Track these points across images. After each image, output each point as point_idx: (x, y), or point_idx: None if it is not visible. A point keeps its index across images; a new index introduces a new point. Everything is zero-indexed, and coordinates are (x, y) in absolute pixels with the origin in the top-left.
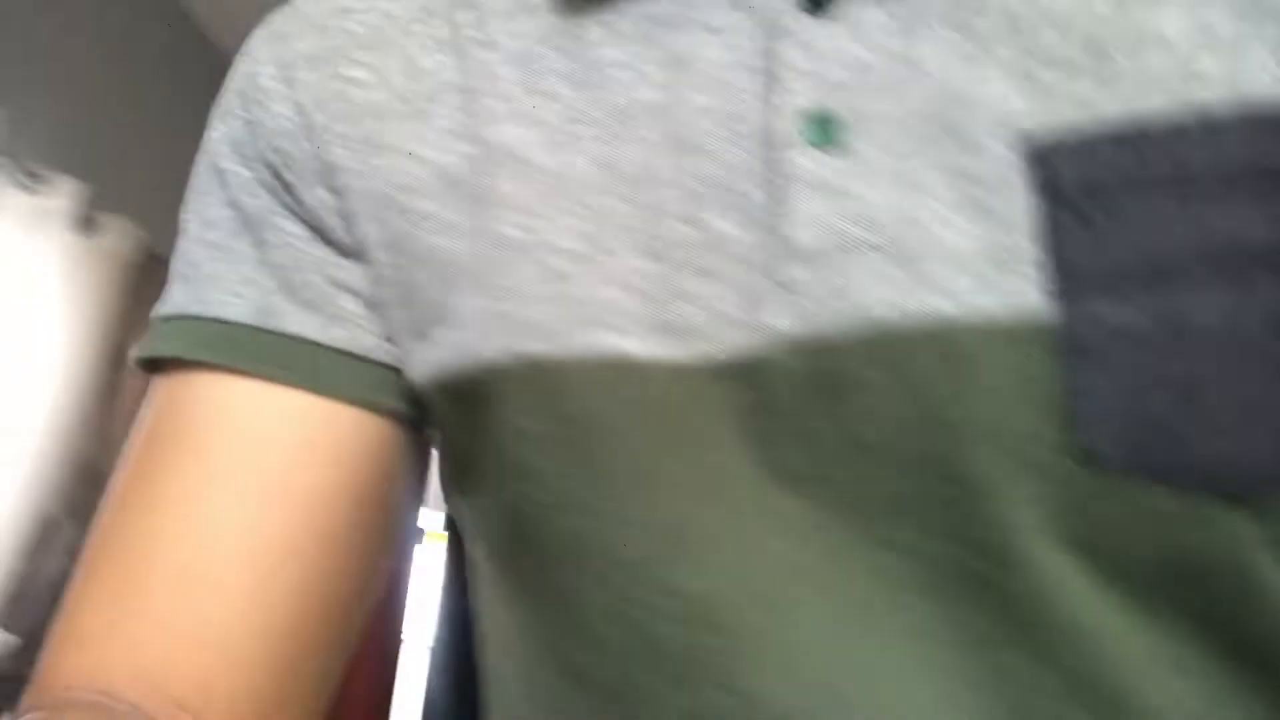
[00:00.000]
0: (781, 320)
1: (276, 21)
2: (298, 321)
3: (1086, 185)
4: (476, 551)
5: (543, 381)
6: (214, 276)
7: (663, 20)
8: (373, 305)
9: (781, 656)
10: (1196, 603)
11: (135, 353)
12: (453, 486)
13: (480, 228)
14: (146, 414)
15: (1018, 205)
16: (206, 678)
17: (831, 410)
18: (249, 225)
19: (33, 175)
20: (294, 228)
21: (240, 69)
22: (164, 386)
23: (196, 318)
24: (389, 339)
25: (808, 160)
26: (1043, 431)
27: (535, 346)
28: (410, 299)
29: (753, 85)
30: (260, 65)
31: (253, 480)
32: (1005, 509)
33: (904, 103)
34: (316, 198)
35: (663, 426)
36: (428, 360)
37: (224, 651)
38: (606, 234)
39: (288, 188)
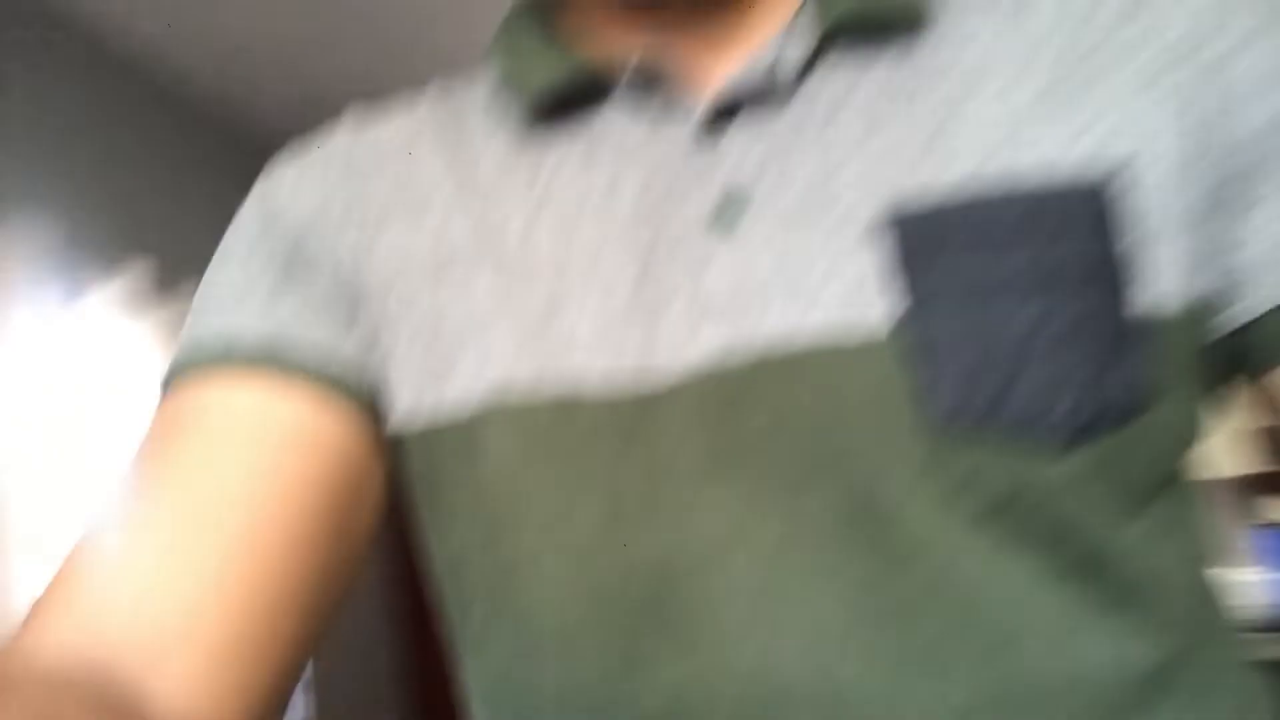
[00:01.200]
0: (705, 355)
1: (299, 145)
2: (309, 345)
3: (926, 238)
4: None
5: (519, 420)
6: (235, 310)
7: (597, 148)
8: (368, 363)
9: (718, 597)
10: (1027, 529)
11: (163, 379)
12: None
13: (469, 294)
14: (158, 419)
15: (869, 262)
16: (196, 605)
17: (746, 418)
18: (269, 274)
19: (112, 261)
20: (307, 289)
21: (270, 174)
22: (178, 394)
23: (217, 341)
24: (378, 393)
25: (723, 232)
26: (903, 410)
27: (513, 391)
28: (406, 358)
29: (677, 185)
30: (288, 172)
31: (254, 454)
32: (881, 473)
33: (793, 182)
34: (327, 273)
35: (619, 441)
36: (421, 409)
37: (217, 583)
38: (566, 297)
39: (305, 263)
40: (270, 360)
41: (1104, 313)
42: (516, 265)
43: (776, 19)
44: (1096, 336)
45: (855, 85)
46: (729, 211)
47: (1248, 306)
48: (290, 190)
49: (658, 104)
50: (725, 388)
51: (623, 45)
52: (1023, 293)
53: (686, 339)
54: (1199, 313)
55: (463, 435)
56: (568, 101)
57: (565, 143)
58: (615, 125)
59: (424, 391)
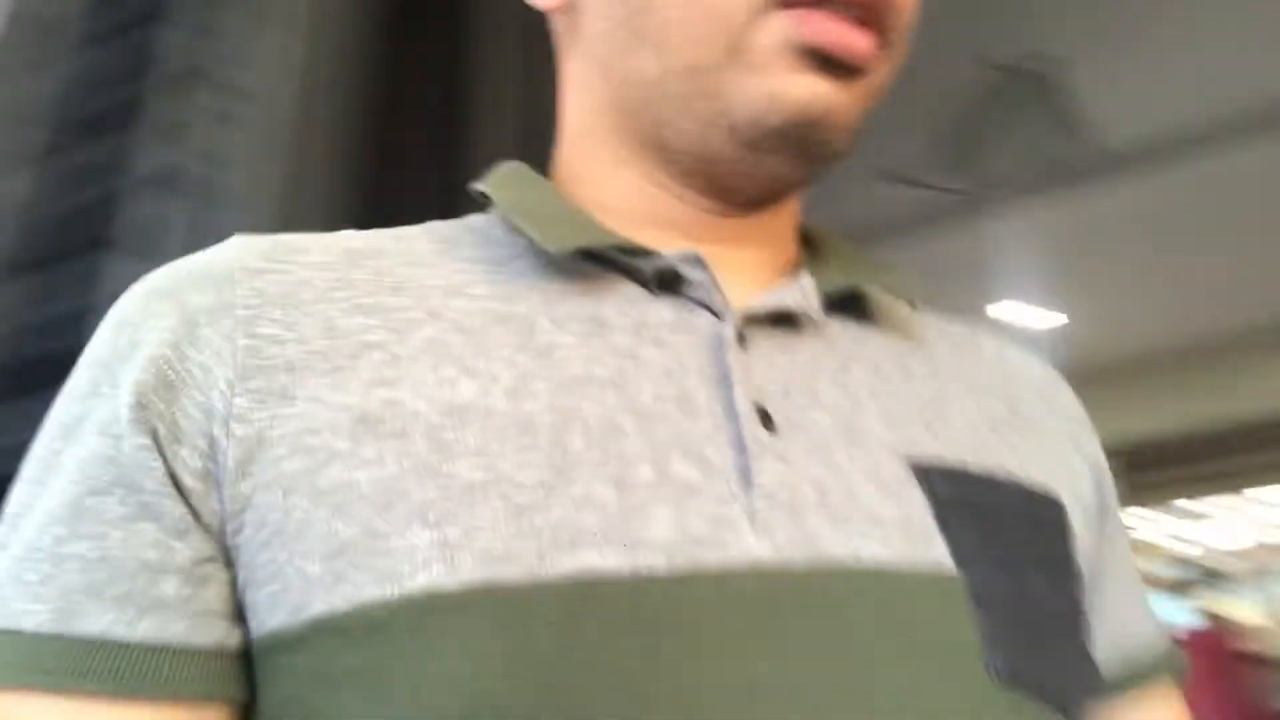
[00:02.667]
0: (759, 548)
1: (167, 277)
2: (101, 620)
3: (954, 497)
4: None
5: (513, 605)
6: (14, 580)
7: (611, 327)
8: (207, 575)
9: None
10: None
11: None
12: None
13: (429, 467)
14: None
15: (917, 500)
16: None
17: (805, 622)
18: (73, 514)
19: None
20: (123, 508)
21: (128, 331)
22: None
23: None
24: (225, 604)
25: (762, 434)
26: (970, 654)
27: (504, 573)
28: (301, 535)
29: (703, 385)
30: (160, 320)
31: None
32: (945, 709)
33: (816, 417)
34: (190, 457)
35: (641, 639)
36: (315, 601)
37: None
38: (572, 468)
39: (162, 455)
40: (59, 655)
41: (1083, 606)
42: (501, 435)
43: (780, 264)
44: (1086, 625)
45: (863, 343)
46: (766, 416)
47: None
48: (170, 334)
49: (685, 296)
50: (788, 587)
51: (647, 237)
52: (1046, 575)
53: (733, 522)
54: None
55: (411, 621)
56: (581, 267)
57: (559, 325)
58: (634, 301)
59: (339, 576)
